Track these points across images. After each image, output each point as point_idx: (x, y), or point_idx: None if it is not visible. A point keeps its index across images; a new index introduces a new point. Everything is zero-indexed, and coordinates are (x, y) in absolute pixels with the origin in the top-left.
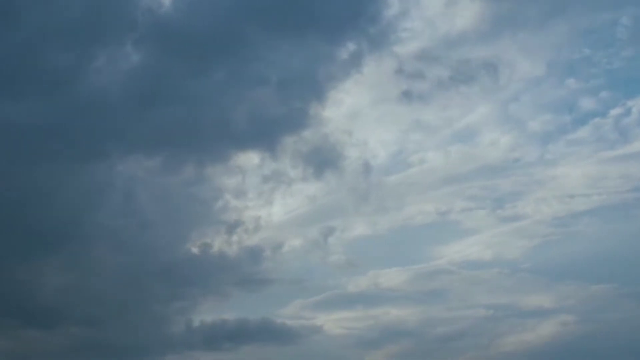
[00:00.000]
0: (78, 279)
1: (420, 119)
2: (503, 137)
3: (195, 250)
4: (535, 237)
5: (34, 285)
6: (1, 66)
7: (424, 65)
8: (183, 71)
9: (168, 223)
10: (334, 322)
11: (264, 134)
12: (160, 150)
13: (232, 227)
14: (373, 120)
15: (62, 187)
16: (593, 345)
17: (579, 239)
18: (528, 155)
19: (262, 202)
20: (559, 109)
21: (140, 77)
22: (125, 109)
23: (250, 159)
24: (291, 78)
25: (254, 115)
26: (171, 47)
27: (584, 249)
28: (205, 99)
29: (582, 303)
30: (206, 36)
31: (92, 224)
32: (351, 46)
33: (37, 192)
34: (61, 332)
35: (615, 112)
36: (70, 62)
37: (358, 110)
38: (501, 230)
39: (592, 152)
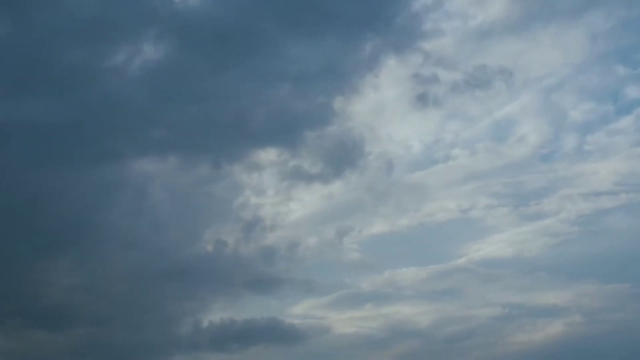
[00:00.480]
0: (87, 279)
1: (450, 114)
2: (535, 132)
3: (209, 249)
4: (558, 236)
5: (42, 286)
6: (15, 64)
7: (454, 58)
8: (202, 68)
9: (182, 222)
10: (344, 322)
11: (283, 131)
12: (177, 148)
13: (248, 226)
14: (397, 117)
15: (75, 186)
16: (601, 346)
17: (603, 237)
18: (558, 150)
19: (279, 200)
20: (602, 98)
21: (159, 74)
22: (143, 106)
23: (269, 155)
24: (311, 74)
25: (273, 111)
26: (191, 43)
27: (607, 248)
28: (224, 96)
29: (596, 302)
30: (227, 31)
31: (105, 223)
32: (373, 41)
33: (50, 191)
34: (68, 333)
35: None
36: (86, 58)
37: (381, 106)
38: (524, 228)
39: (634, 144)
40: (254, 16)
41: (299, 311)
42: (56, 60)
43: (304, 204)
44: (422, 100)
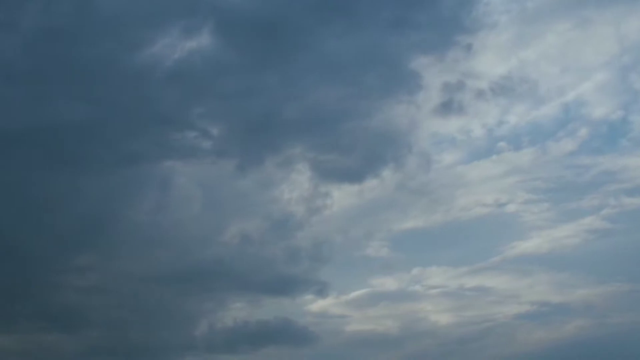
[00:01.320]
0: (103, 280)
1: (493, 108)
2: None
3: (231, 248)
4: (597, 232)
5: (58, 287)
6: (42, 63)
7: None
8: (236, 62)
9: (208, 220)
10: (362, 321)
11: (316, 126)
12: (207, 144)
13: (276, 223)
14: (436, 111)
15: (97, 187)
16: (619, 345)
17: None
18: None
19: (311, 196)
20: None
21: (190, 67)
22: (175, 101)
23: (301, 151)
24: (347, 68)
25: (305, 106)
26: (227, 37)
27: None
28: (257, 90)
29: (619, 301)
30: (263, 25)
31: (125, 223)
32: (410, 34)
33: (71, 192)
34: (81, 335)
35: None
36: (114, 55)
37: (421, 100)
38: (563, 225)
39: None
40: (290, 9)
41: (317, 310)
42: (82, 59)
43: (335, 200)
44: (461, 95)
